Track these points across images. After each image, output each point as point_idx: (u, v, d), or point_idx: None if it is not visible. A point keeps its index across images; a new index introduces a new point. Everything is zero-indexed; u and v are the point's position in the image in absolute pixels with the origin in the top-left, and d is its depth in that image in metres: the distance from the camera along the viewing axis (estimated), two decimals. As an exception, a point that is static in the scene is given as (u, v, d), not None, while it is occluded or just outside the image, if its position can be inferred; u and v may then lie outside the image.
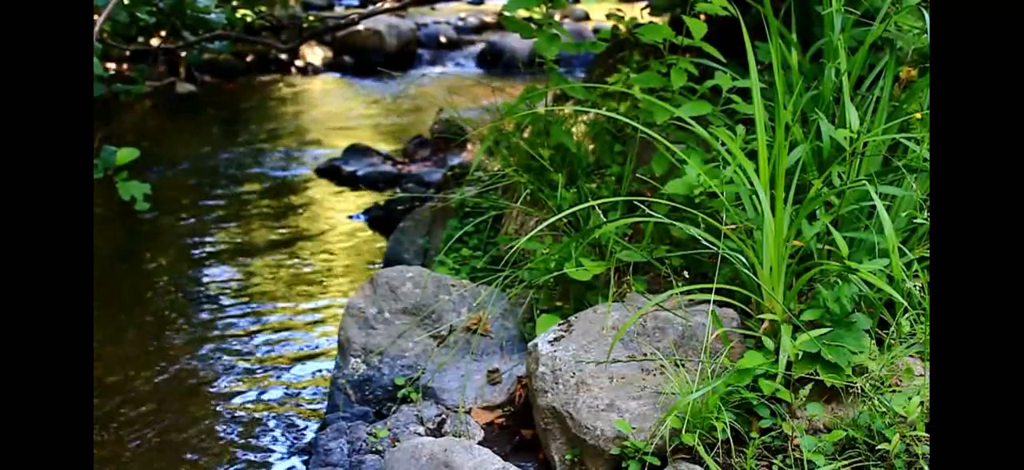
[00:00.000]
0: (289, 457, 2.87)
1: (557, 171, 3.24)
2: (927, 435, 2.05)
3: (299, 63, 8.95)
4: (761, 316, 2.34)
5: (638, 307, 2.52)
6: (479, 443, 2.46)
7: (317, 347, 3.60)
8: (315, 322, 3.81)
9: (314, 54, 9.05)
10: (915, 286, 2.32)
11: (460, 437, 2.50)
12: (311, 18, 8.68)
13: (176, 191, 5.47)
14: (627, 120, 2.88)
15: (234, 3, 7.16)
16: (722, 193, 2.53)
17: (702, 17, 3.05)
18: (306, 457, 2.78)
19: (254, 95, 8.11)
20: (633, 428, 2.21)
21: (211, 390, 3.29)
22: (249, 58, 8.77)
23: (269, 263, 4.42)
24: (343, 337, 2.93)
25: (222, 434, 3.02)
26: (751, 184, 2.48)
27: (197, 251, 4.57)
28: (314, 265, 4.40)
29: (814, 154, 2.68)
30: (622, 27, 3.82)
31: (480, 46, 9.69)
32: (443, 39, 9.92)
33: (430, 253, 3.75)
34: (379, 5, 7.48)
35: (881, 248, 2.35)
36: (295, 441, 2.96)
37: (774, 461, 2.16)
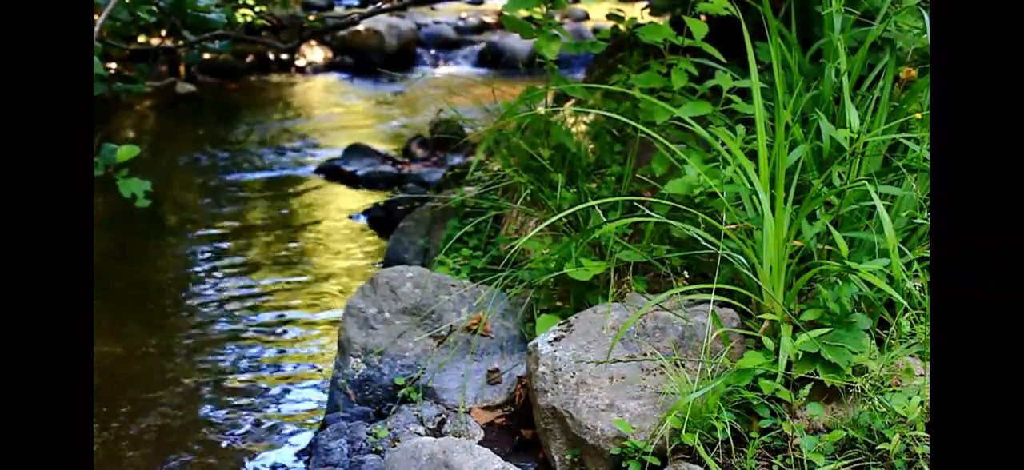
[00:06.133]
0: (289, 457, 2.87)
1: (557, 171, 3.24)
2: (927, 435, 2.05)
3: (299, 63, 8.95)
4: (761, 316, 2.34)
5: (638, 307, 2.52)
6: (479, 443, 2.46)
7: (317, 347, 3.60)
8: (315, 322, 3.81)
9: (314, 54, 9.05)
10: (915, 286, 2.32)
11: (460, 437, 2.50)
12: (311, 18, 8.67)
13: (176, 191, 5.47)
14: (627, 120, 2.88)
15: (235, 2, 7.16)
16: (722, 193, 2.53)
17: (703, 17, 3.05)
18: (306, 457, 2.78)
19: (254, 95, 8.11)
20: (633, 428, 2.21)
21: (211, 390, 3.29)
22: (249, 58, 8.76)
23: (269, 263, 4.42)
24: (343, 337, 2.93)
25: (222, 434, 3.02)
26: (751, 184, 2.48)
27: (197, 251, 4.57)
28: (314, 265, 4.40)
29: (814, 154, 2.68)
30: (622, 27, 3.82)
31: (480, 46, 9.69)
32: (443, 39, 9.92)
33: (430, 253, 3.75)
34: (379, 5, 7.48)
35: (881, 248, 2.35)
36: (295, 441, 2.96)
37: (774, 461, 2.16)
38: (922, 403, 2.08)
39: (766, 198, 2.38)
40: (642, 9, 4.48)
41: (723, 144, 2.58)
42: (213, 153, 6.27)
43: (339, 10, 10.46)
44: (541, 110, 3.41)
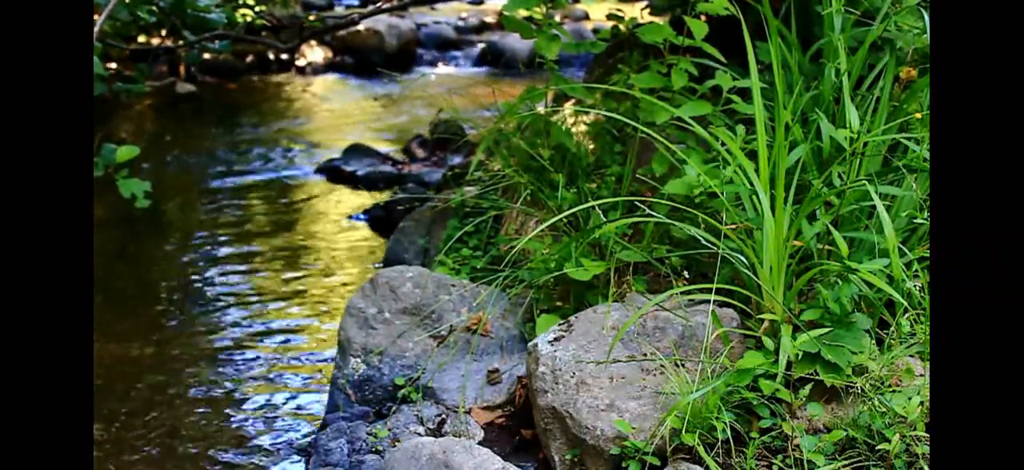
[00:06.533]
0: (289, 457, 2.87)
1: (557, 171, 3.25)
2: (927, 435, 2.05)
3: (299, 63, 8.94)
4: (761, 316, 2.34)
5: (638, 307, 2.52)
6: (479, 443, 2.46)
7: (317, 347, 3.60)
8: (315, 322, 3.81)
9: (314, 54, 9.04)
10: (915, 286, 2.32)
11: (460, 437, 2.50)
12: (311, 18, 8.67)
13: (176, 191, 5.47)
14: (627, 120, 2.88)
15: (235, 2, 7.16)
16: (722, 193, 2.53)
17: (703, 17, 3.05)
18: (306, 457, 2.78)
19: (254, 95, 8.11)
20: (633, 428, 2.21)
21: (211, 390, 3.29)
22: (249, 58, 8.76)
23: (269, 263, 4.42)
24: (343, 337, 2.93)
25: (222, 434, 3.02)
26: (751, 184, 2.48)
27: (197, 251, 4.57)
28: (314, 265, 4.40)
29: (814, 154, 2.68)
30: (622, 27, 3.82)
31: (480, 46, 9.68)
32: (443, 39, 9.91)
33: (430, 253, 3.75)
34: (379, 5, 7.48)
35: (881, 248, 2.35)
36: (295, 441, 2.96)
37: (774, 461, 2.16)
38: (922, 403, 2.08)
39: (766, 198, 2.38)
40: (642, 9, 4.49)
41: (723, 144, 2.58)
42: (213, 153, 6.27)
43: (339, 10, 10.45)
44: (541, 110, 3.41)
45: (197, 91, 7.85)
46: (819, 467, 2.10)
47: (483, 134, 3.68)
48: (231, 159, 6.13)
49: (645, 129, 2.74)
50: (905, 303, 2.25)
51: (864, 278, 2.26)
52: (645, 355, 2.39)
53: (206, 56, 7.97)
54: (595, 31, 8.66)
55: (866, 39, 2.77)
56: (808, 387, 2.21)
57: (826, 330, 2.24)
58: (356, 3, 10.80)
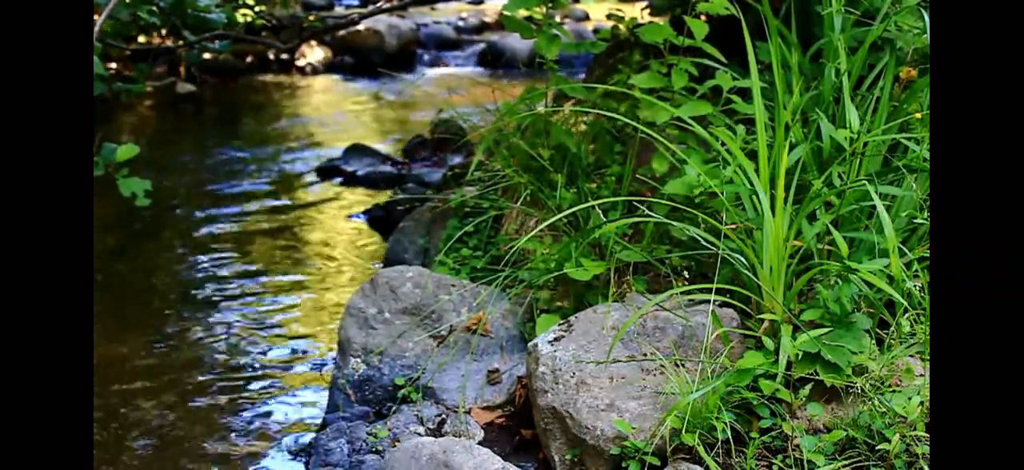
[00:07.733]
0: (289, 457, 2.87)
1: (557, 171, 3.24)
2: (927, 435, 2.05)
3: (299, 63, 8.94)
4: (761, 316, 2.34)
5: (638, 307, 2.52)
6: (479, 443, 2.46)
7: (317, 347, 3.60)
8: (315, 322, 3.81)
9: (314, 54, 9.04)
10: (915, 286, 2.32)
11: (460, 437, 2.50)
12: (311, 18, 8.67)
13: (176, 191, 5.47)
14: (627, 120, 2.88)
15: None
16: (722, 193, 2.53)
17: (703, 17, 3.05)
18: (306, 457, 2.78)
19: (254, 95, 8.11)
20: (633, 428, 2.21)
21: (210, 390, 3.29)
22: (249, 58, 8.76)
23: (269, 263, 4.42)
24: (343, 337, 2.93)
25: (222, 434, 3.02)
26: (751, 184, 2.48)
27: (197, 251, 4.57)
28: (314, 265, 4.40)
29: (814, 154, 2.68)
30: (622, 27, 3.82)
31: (480, 46, 9.69)
32: (443, 39, 9.92)
33: (430, 253, 3.75)
34: (379, 5, 7.48)
35: (881, 248, 2.35)
36: (295, 441, 2.96)
37: (774, 461, 2.16)
38: (922, 403, 2.08)
39: (766, 198, 2.38)
40: (642, 9, 4.49)
41: (723, 144, 2.58)
42: (213, 153, 6.27)
43: (339, 10, 10.45)
44: (541, 110, 3.41)
45: (197, 91, 7.85)
46: (819, 467, 2.10)
47: (483, 134, 3.68)
48: (231, 159, 6.13)
49: (645, 129, 2.74)
50: (905, 303, 2.25)
51: (864, 278, 2.26)
52: (645, 355, 2.39)
53: (206, 56, 7.97)
54: (595, 31, 8.66)
55: (866, 39, 2.77)
56: (808, 387, 2.21)
57: (826, 330, 2.24)
58: (356, 3, 10.80)
